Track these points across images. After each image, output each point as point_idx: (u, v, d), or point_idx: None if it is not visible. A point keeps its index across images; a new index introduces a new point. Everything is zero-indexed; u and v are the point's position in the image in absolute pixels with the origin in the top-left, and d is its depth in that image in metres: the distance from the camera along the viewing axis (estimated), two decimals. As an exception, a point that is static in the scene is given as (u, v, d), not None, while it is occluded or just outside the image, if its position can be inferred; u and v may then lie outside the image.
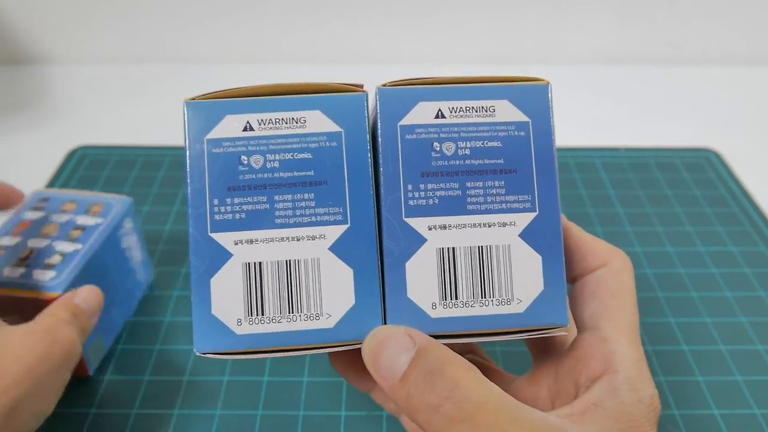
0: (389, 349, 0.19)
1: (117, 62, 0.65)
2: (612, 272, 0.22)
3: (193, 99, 0.21)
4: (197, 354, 0.20)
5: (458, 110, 0.21)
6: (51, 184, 0.47)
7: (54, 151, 0.51)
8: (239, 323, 0.20)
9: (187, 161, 0.20)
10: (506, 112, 0.21)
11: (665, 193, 0.48)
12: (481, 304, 0.21)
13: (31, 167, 0.49)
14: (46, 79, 0.63)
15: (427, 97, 0.21)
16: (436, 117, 0.21)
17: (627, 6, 0.63)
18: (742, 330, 0.36)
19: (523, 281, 0.21)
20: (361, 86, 0.21)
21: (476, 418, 0.17)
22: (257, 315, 0.20)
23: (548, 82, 0.21)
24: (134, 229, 0.37)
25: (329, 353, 0.24)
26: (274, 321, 0.20)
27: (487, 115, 0.21)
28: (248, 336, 0.20)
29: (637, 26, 0.64)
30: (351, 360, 0.24)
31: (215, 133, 0.20)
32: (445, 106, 0.21)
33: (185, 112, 0.21)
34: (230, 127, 0.21)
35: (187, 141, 0.20)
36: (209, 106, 0.21)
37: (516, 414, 0.18)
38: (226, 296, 0.20)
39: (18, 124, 0.56)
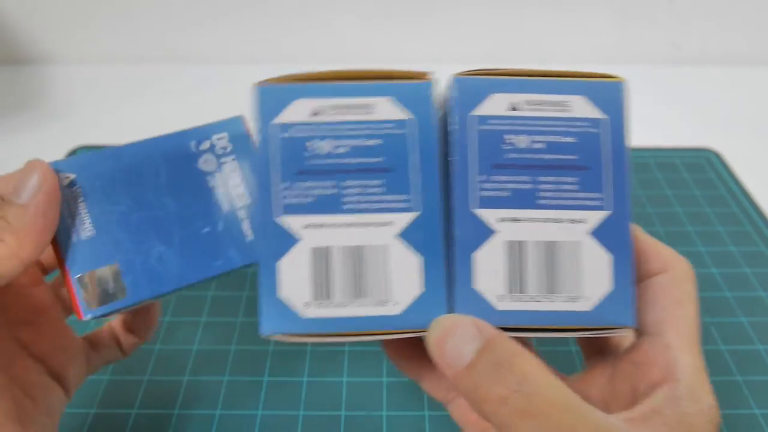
0: (455, 337, 0.19)
1: (117, 62, 0.65)
2: (675, 279, 0.21)
3: (263, 82, 0.21)
4: (263, 335, 0.20)
5: (533, 103, 0.21)
6: (51, 184, 0.47)
7: (54, 151, 0.51)
8: (306, 306, 0.20)
9: (256, 145, 0.21)
10: (582, 108, 0.21)
11: (665, 193, 0.48)
12: (548, 300, 0.21)
13: (31, 167, 0.49)
14: (46, 79, 0.63)
15: (503, 88, 0.21)
16: (511, 109, 0.21)
17: (627, 6, 0.63)
18: (743, 330, 0.36)
19: (592, 279, 0.21)
20: (429, 74, 0.21)
21: (544, 414, 0.17)
22: (324, 299, 0.20)
23: (624, 80, 0.21)
24: (239, 160, 0.25)
25: (382, 342, 0.24)
26: (341, 305, 0.20)
27: (562, 110, 0.21)
28: (314, 320, 0.20)
29: (637, 26, 0.64)
30: (405, 347, 0.25)
31: (284, 117, 0.21)
32: (520, 98, 0.21)
33: (255, 95, 0.21)
34: (300, 110, 0.21)
35: (255, 125, 0.21)
36: (280, 90, 0.21)
37: (583, 413, 0.18)
38: (293, 280, 0.20)
39: (18, 124, 0.56)
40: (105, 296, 0.22)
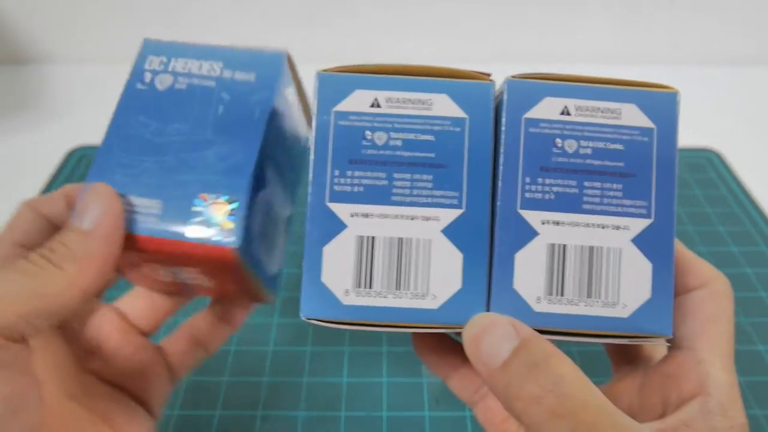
0: (492, 336, 0.19)
1: (117, 62, 0.65)
2: (713, 295, 0.21)
3: (325, 71, 0.21)
4: (303, 319, 0.21)
5: (584, 109, 0.21)
6: (50, 184, 0.47)
7: (53, 151, 0.51)
8: (347, 293, 0.21)
9: (313, 130, 0.21)
10: (632, 116, 0.21)
11: (666, 193, 0.47)
12: (586, 304, 0.21)
13: (30, 167, 0.49)
14: (46, 79, 0.63)
15: (555, 92, 0.21)
16: (562, 113, 0.21)
17: (627, 6, 0.63)
18: (743, 330, 0.36)
19: (631, 286, 0.21)
20: (489, 75, 0.21)
21: (577, 416, 0.17)
22: (365, 287, 0.21)
23: (677, 91, 0.21)
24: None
25: (413, 333, 0.24)
26: (380, 295, 0.21)
27: (612, 117, 0.21)
28: (354, 307, 0.21)
29: (637, 26, 0.64)
30: (436, 343, 0.25)
31: (343, 106, 0.21)
32: (571, 103, 0.21)
33: (316, 82, 0.21)
34: (358, 101, 0.21)
35: (314, 111, 0.21)
36: (341, 79, 0.21)
37: (616, 420, 0.18)
38: (337, 265, 0.21)
39: (18, 124, 0.56)
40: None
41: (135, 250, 0.21)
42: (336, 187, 0.21)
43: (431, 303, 0.21)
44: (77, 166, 0.50)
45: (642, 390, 0.22)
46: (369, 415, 0.32)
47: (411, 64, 0.21)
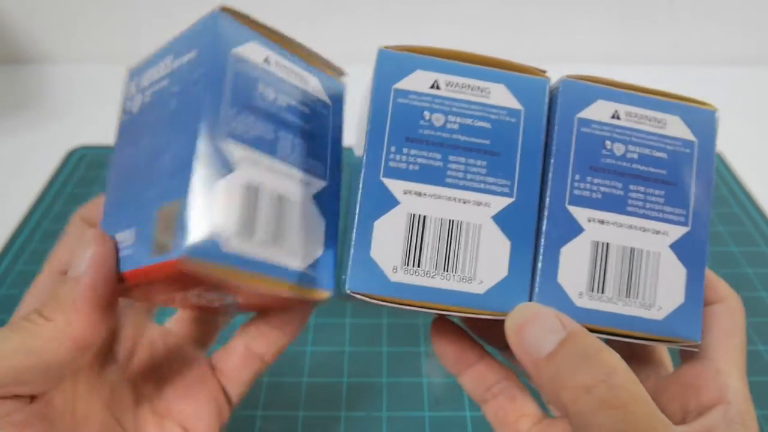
0: (536, 327, 0.20)
1: (117, 62, 0.65)
2: (728, 310, 0.23)
3: (387, 47, 0.21)
4: (348, 292, 0.20)
5: (633, 116, 0.22)
6: (50, 184, 0.47)
7: (54, 151, 0.51)
8: (395, 270, 0.21)
9: (371, 105, 0.21)
10: (677, 127, 0.22)
11: (666, 193, 0.48)
12: (624, 303, 0.21)
13: (30, 167, 0.49)
14: (46, 79, 0.63)
15: (607, 96, 0.22)
16: (612, 117, 0.22)
17: (627, 6, 0.63)
18: (743, 330, 0.36)
19: (666, 290, 0.22)
20: (545, 71, 0.22)
21: (629, 407, 0.18)
22: (414, 266, 0.21)
23: (716, 109, 0.23)
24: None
25: (433, 322, 0.25)
26: (428, 275, 0.21)
27: (658, 127, 0.22)
28: (401, 285, 0.21)
29: (637, 26, 0.64)
30: (455, 339, 0.25)
31: (403, 84, 0.21)
32: (622, 109, 0.22)
33: (378, 57, 0.21)
34: (419, 81, 0.21)
35: (373, 86, 0.21)
36: (403, 58, 0.21)
37: (662, 418, 0.18)
38: (386, 242, 0.21)
39: (18, 124, 0.56)
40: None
41: (130, 286, 0.20)
42: (391, 163, 0.21)
43: (478, 288, 0.21)
44: (77, 166, 0.50)
45: (658, 396, 0.22)
46: (369, 415, 0.32)
47: (471, 52, 0.22)
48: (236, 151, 0.20)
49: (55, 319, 0.19)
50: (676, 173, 0.22)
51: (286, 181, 0.21)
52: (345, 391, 0.33)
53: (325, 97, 0.23)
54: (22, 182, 0.48)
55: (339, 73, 0.24)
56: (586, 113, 0.22)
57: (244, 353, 0.25)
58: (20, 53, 0.65)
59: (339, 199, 0.23)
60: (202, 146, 0.19)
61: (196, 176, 0.19)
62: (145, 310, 0.25)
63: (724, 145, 0.53)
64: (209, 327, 0.27)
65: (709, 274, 0.23)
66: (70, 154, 0.51)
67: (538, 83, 0.22)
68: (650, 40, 0.65)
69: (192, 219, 0.18)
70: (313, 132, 0.22)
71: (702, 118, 0.22)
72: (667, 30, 0.64)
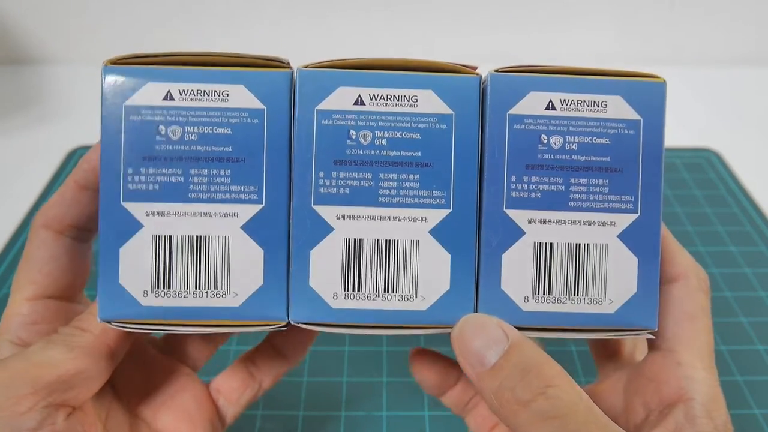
0: (480, 338, 0.19)
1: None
2: (687, 290, 0.21)
3: (306, 67, 0.20)
4: (293, 323, 0.20)
5: (570, 103, 0.20)
6: (50, 184, 0.47)
7: (54, 151, 0.51)
8: (335, 297, 0.20)
9: (294, 131, 0.20)
10: (618, 108, 0.20)
11: (665, 193, 0.48)
12: (573, 302, 0.21)
13: (30, 167, 0.49)
14: (46, 79, 0.63)
15: (540, 86, 0.20)
16: (547, 108, 0.20)
17: (627, 6, 0.63)
18: (743, 330, 0.36)
19: (617, 282, 0.21)
20: (475, 68, 0.21)
21: (567, 417, 0.18)
22: (354, 290, 0.20)
23: (664, 80, 0.21)
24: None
25: (412, 353, 0.25)
26: (369, 299, 0.20)
27: (598, 111, 0.20)
28: (343, 311, 0.20)
29: (638, 27, 0.64)
30: (433, 364, 0.25)
31: (326, 104, 0.20)
32: (557, 97, 0.20)
33: (296, 79, 0.20)
34: (342, 98, 0.20)
35: (294, 110, 0.20)
36: (322, 76, 0.20)
37: (605, 423, 0.18)
38: (324, 269, 0.20)
39: (18, 124, 0.56)
40: None
41: None
42: (321, 189, 0.20)
43: (420, 305, 0.20)
44: (77, 166, 0.50)
45: (625, 393, 0.22)
46: (369, 415, 0.32)
47: (394, 58, 0.20)
48: (140, 209, 0.20)
49: (92, 330, 0.20)
50: (621, 158, 0.20)
51: (205, 221, 0.20)
52: (345, 391, 0.33)
53: (255, 103, 0.20)
54: (22, 182, 0.48)
55: (283, 65, 0.21)
56: (518, 108, 0.20)
57: (244, 377, 0.26)
58: (20, 54, 0.65)
59: (285, 220, 0.20)
60: (105, 213, 0.20)
61: (103, 245, 0.20)
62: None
63: (723, 145, 0.53)
64: (203, 348, 0.27)
65: (670, 246, 0.22)
66: (70, 154, 0.51)
67: (468, 82, 0.20)
68: (650, 40, 0.65)
69: (103, 287, 0.20)
70: (241, 152, 0.20)
71: (648, 94, 0.20)
72: (667, 30, 0.64)
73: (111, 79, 0.20)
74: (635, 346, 0.24)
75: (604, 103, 0.20)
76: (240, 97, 0.20)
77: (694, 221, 0.45)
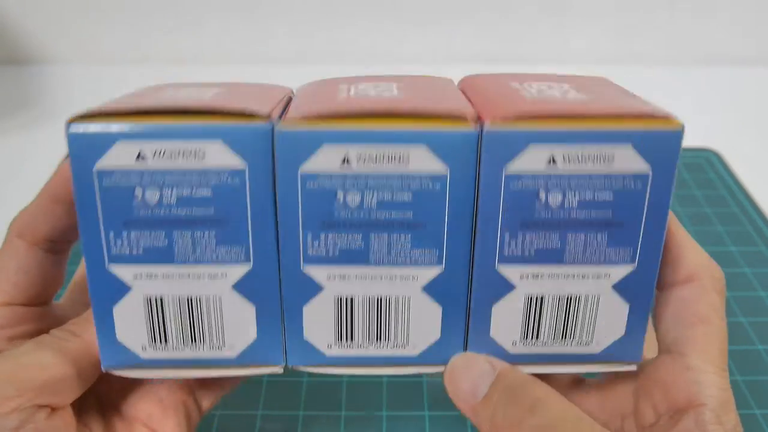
0: (470, 373, 0.20)
1: (117, 62, 0.65)
2: (702, 291, 0.20)
3: (285, 124, 0.18)
4: (291, 367, 0.21)
5: (573, 157, 0.18)
6: (51, 184, 0.47)
7: (53, 151, 0.51)
8: (329, 347, 0.21)
9: (278, 193, 0.19)
10: (627, 160, 0.18)
11: (665, 193, 0.47)
12: (560, 344, 0.21)
13: (30, 167, 0.49)
14: (46, 79, 0.63)
15: (541, 139, 0.18)
16: (548, 163, 0.18)
17: (627, 6, 0.63)
18: (743, 330, 0.36)
19: (606, 327, 0.21)
20: (468, 117, 0.18)
21: (557, 429, 0.18)
22: (347, 341, 0.21)
23: (682, 126, 0.18)
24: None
25: None
26: (362, 347, 0.21)
27: (604, 164, 0.18)
28: (337, 357, 0.21)
29: (637, 27, 0.64)
30: None
31: (310, 166, 0.18)
32: (559, 151, 0.18)
33: (276, 139, 0.18)
34: (326, 158, 0.18)
35: (275, 172, 0.19)
36: (304, 136, 0.18)
37: (596, 428, 0.18)
38: (318, 323, 0.20)
39: (18, 124, 0.56)
40: None
41: None
42: (310, 251, 0.19)
43: (412, 351, 0.21)
44: (77, 166, 0.50)
45: (634, 394, 0.22)
46: (369, 415, 0.32)
47: (386, 109, 0.18)
48: (127, 272, 0.20)
49: (83, 335, 0.21)
50: (624, 213, 0.19)
51: (193, 282, 0.20)
52: (345, 391, 0.33)
53: (235, 161, 0.18)
54: (22, 182, 0.48)
55: (263, 117, 0.19)
56: (516, 165, 0.18)
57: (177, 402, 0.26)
58: (20, 53, 0.65)
59: (276, 278, 0.20)
60: (92, 275, 0.20)
61: (95, 305, 0.20)
62: None
63: (723, 145, 0.53)
64: None
65: (682, 244, 0.21)
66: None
67: (464, 138, 0.18)
68: (650, 40, 0.65)
69: (102, 342, 0.20)
70: (223, 214, 0.19)
71: (661, 143, 0.18)
72: (667, 30, 0.64)
73: (77, 138, 0.18)
74: (646, 345, 0.24)
75: (611, 155, 0.18)
76: (218, 154, 0.18)
77: (694, 221, 0.45)
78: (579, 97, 0.19)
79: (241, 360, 0.21)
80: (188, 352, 0.21)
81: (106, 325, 0.20)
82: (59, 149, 0.52)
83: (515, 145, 0.18)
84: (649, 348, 0.24)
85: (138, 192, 0.19)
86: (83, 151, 0.18)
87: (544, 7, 0.63)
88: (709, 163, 0.51)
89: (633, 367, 0.21)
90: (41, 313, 0.23)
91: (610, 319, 0.20)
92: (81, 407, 0.22)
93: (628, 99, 0.20)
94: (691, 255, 0.21)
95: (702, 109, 0.59)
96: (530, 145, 0.18)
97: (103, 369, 0.21)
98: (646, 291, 0.20)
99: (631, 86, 0.22)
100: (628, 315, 0.20)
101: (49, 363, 0.20)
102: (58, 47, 0.65)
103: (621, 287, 0.20)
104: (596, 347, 0.21)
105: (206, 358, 0.21)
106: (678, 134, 0.18)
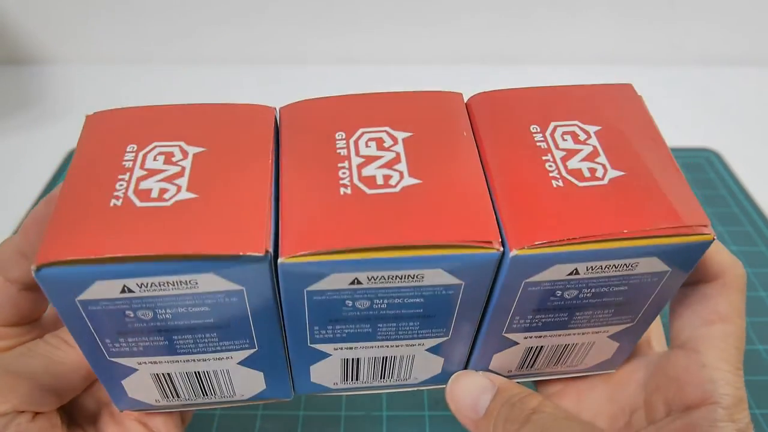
0: (470, 390, 0.21)
1: (117, 62, 0.65)
2: (723, 290, 0.20)
3: (289, 259, 0.17)
4: (297, 393, 0.23)
5: (597, 268, 0.18)
6: (50, 184, 0.47)
7: (54, 151, 0.51)
8: (335, 384, 0.23)
9: (283, 305, 0.18)
10: (650, 265, 0.18)
11: (665, 193, 0.48)
12: (552, 368, 0.23)
13: (30, 167, 0.49)
14: (46, 79, 0.63)
15: (567, 259, 0.18)
16: (570, 274, 0.18)
17: (627, 6, 0.63)
18: (743, 330, 0.37)
19: (595, 358, 0.23)
20: (493, 242, 0.17)
21: (553, 429, 0.19)
22: (353, 381, 0.23)
23: (713, 237, 0.18)
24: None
25: None
26: (366, 383, 0.23)
27: (626, 270, 0.18)
28: (344, 388, 0.23)
29: (637, 26, 0.64)
30: None
31: (319, 286, 0.18)
32: (583, 265, 0.18)
33: (278, 271, 0.17)
34: (336, 281, 0.17)
35: (277, 290, 0.18)
36: (312, 267, 0.17)
37: (587, 428, 0.19)
38: (324, 374, 0.22)
39: (18, 124, 0.56)
40: None
41: None
42: (317, 335, 0.20)
43: (413, 381, 0.23)
44: (77, 166, 0.50)
45: (645, 387, 0.22)
46: (369, 415, 0.32)
47: (395, 241, 0.17)
48: (130, 361, 0.20)
49: (76, 346, 0.21)
50: (636, 296, 0.19)
51: (199, 363, 0.20)
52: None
53: (231, 286, 0.17)
54: (22, 182, 0.48)
55: (257, 255, 0.17)
56: (538, 278, 0.18)
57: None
58: (20, 53, 0.65)
59: (282, 354, 0.21)
60: (96, 366, 0.20)
61: (103, 381, 0.21)
62: None
63: (723, 145, 0.53)
64: None
65: (713, 249, 0.21)
66: (70, 155, 0.51)
67: (484, 259, 0.17)
68: (650, 40, 0.65)
69: (115, 400, 0.22)
70: (224, 321, 0.18)
71: (688, 253, 0.18)
72: (667, 30, 0.64)
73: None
74: (650, 333, 0.24)
75: (635, 264, 0.18)
76: (211, 283, 0.17)
77: (694, 221, 0.45)
78: (614, 178, 0.19)
79: (252, 400, 0.23)
80: (200, 401, 0.22)
81: (116, 391, 0.21)
82: (59, 149, 0.52)
83: (540, 264, 0.18)
84: (657, 340, 0.24)
85: (129, 313, 0.17)
86: (60, 288, 0.16)
87: (543, 7, 0.63)
88: (709, 163, 0.51)
89: (612, 371, 0.24)
90: (28, 328, 0.22)
91: (601, 353, 0.23)
92: (70, 404, 0.22)
93: (669, 185, 0.19)
94: (715, 253, 0.21)
95: (702, 109, 0.59)
96: (556, 265, 0.18)
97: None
98: (635, 335, 0.22)
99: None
100: (617, 349, 0.23)
101: (37, 373, 0.20)
102: (58, 47, 0.65)
103: (616, 336, 0.22)
104: (583, 366, 0.23)
105: (218, 401, 0.22)
106: (706, 245, 0.18)
